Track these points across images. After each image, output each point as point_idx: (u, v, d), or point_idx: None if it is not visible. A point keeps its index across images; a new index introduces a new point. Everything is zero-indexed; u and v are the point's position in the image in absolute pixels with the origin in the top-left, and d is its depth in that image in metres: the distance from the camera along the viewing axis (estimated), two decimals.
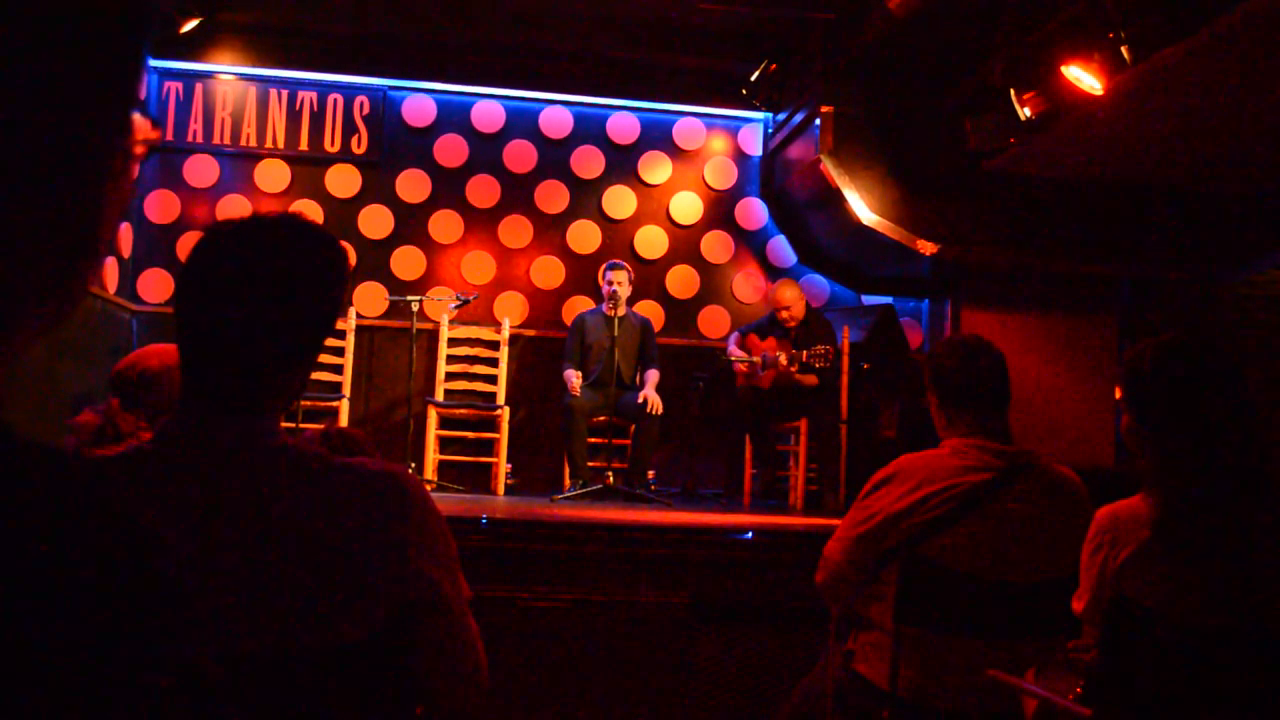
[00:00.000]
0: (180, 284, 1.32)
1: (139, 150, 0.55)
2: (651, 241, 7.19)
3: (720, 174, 7.30)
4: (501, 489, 6.08)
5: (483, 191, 7.07)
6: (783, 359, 5.83)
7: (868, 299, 7.17)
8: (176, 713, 0.46)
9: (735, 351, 6.26)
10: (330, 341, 1.40)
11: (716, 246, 7.25)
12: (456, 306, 6.43)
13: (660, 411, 5.81)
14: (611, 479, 5.66)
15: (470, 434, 6.39)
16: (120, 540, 0.47)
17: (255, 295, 1.28)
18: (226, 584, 1.18)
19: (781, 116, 7.02)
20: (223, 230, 1.32)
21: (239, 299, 1.28)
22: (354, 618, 1.23)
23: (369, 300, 6.81)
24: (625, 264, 6.18)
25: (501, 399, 6.48)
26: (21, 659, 0.41)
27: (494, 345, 6.69)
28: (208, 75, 6.91)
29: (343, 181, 6.98)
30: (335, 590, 1.22)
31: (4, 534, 0.43)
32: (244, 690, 1.14)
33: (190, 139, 6.85)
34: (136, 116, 0.56)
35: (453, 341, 6.65)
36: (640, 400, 5.79)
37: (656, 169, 7.25)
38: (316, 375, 6.01)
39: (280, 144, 6.94)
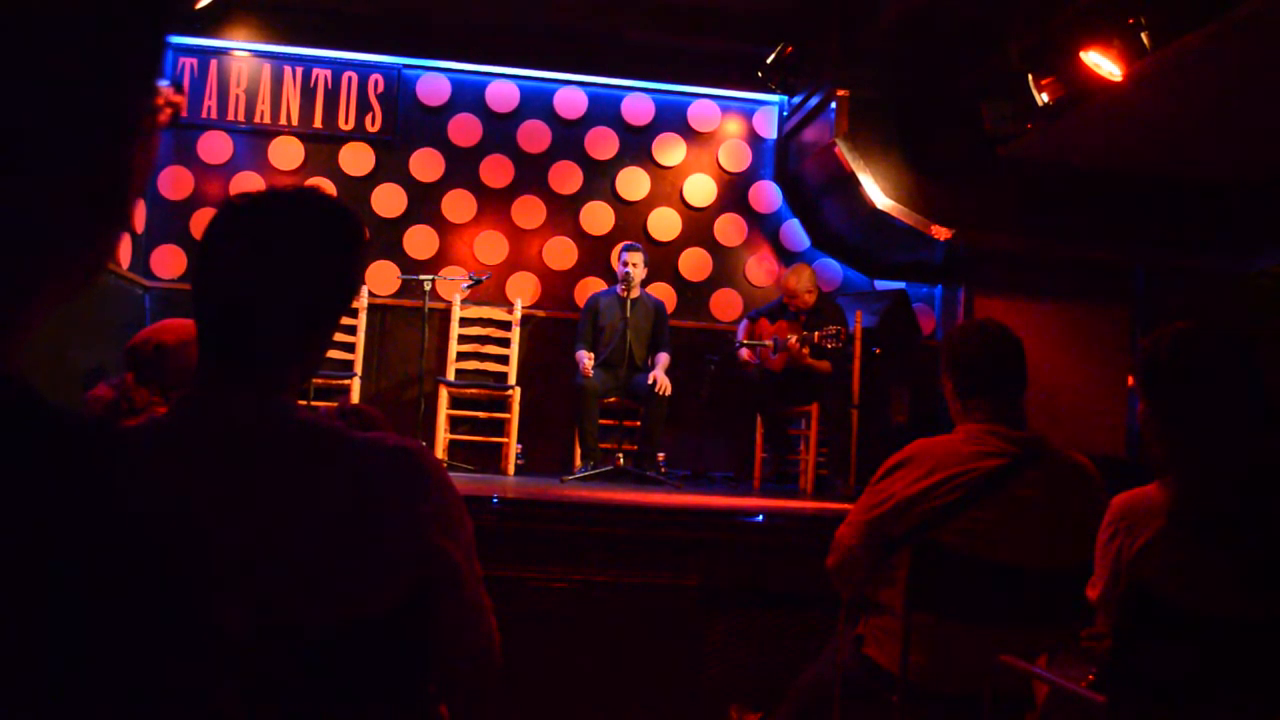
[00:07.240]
0: (197, 257, 1.31)
1: (164, 116, 0.55)
2: (665, 224, 7.17)
3: (734, 157, 7.27)
4: (512, 469, 6.09)
5: (496, 171, 7.05)
6: (793, 340, 5.81)
7: (881, 284, 7.14)
8: (201, 680, 0.45)
9: (744, 341, 6.23)
10: (342, 320, 1.39)
11: (730, 229, 7.23)
12: (469, 286, 6.42)
13: (669, 393, 5.80)
14: (622, 460, 5.66)
15: (481, 414, 6.39)
16: (150, 507, 0.47)
17: (272, 268, 1.28)
18: (243, 558, 1.18)
19: (796, 100, 6.98)
20: (240, 203, 1.32)
21: (256, 272, 1.27)
22: (371, 592, 1.23)
23: (381, 279, 6.81)
24: (641, 246, 6.17)
25: (513, 379, 6.49)
26: (53, 622, 0.41)
27: (506, 325, 6.69)
28: (223, 51, 6.89)
29: (356, 160, 6.97)
30: (353, 564, 1.22)
31: (36, 499, 0.43)
32: (260, 664, 1.14)
33: (205, 115, 6.85)
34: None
35: (464, 321, 6.65)
36: (650, 381, 5.78)
37: (670, 151, 7.22)
38: (328, 353, 6.01)
39: (294, 121, 6.93)
